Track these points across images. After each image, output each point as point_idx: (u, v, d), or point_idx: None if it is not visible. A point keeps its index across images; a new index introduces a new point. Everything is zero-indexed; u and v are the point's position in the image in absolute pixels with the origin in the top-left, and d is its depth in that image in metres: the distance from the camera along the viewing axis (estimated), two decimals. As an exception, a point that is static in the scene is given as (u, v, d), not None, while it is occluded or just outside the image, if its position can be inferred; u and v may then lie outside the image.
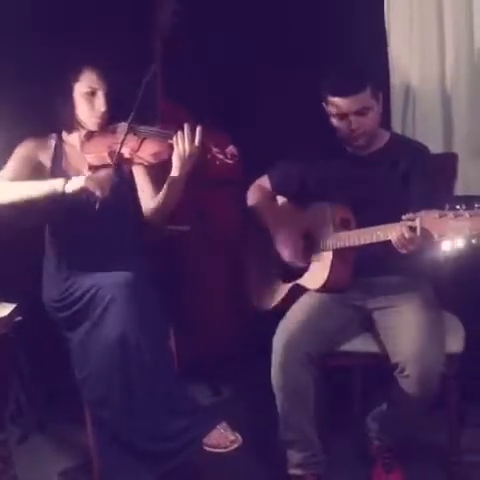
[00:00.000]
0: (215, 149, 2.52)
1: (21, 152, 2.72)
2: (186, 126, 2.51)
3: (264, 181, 2.88)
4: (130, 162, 2.67)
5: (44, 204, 2.61)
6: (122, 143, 2.58)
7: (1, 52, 3.06)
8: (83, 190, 2.53)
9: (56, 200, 2.59)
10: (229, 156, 2.52)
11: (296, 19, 3.36)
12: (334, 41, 3.24)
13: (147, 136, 2.62)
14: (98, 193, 2.51)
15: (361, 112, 2.55)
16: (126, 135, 2.58)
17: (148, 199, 2.73)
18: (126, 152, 2.62)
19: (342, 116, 2.57)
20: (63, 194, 2.55)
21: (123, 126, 2.63)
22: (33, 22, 3.15)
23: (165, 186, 2.62)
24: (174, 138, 2.52)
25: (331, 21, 3.28)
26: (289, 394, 2.54)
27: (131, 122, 2.59)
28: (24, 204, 2.60)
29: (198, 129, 2.51)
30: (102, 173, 2.55)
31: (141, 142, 2.61)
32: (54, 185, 2.56)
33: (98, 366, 2.52)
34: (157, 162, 2.62)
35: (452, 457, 2.65)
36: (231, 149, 2.53)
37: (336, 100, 2.56)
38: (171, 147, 2.56)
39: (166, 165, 2.61)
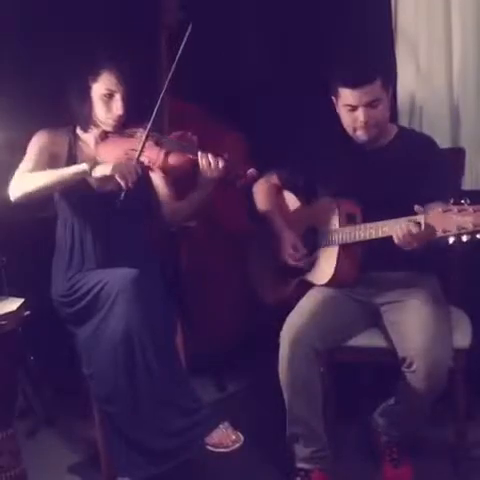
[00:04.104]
0: (237, 171, 2.58)
1: (38, 142, 2.70)
2: (211, 155, 2.57)
3: (272, 175, 2.88)
4: (148, 169, 2.69)
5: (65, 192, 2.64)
6: (141, 151, 2.59)
7: (19, 49, 3.09)
8: (109, 178, 2.53)
9: (74, 194, 2.63)
10: (250, 178, 2.58)
11: (305, 15, 3.37)
12: (342, 39, 3.24)
13: (170, 150, 2.63)
14: (123, 183, 2.51)
15: (371, 104, 2.53)
16: (145, 142, 2.59)
17: (168, 202, 2.76)
18: (145, 160, 2.63)
19: (353, 108, 2.55)
20: (89, 175, 2.54)
21: (141, 132, 2.64)
22: (51, 20, 3.17)
23: (190, 200, 2.67)
24: (199, 160, 2.56)
25: (340, 20, 3.28)
26: (296, 389, 2.55)
27: (149, 130, 2.60)
28: (48, 191, 2.61)
29: (220, 160, 2.56)
30: (128, 165, 2.54)
31: (164, 156, 2.63)
32: (81, 167, 2.56)
33: (104, 363, 2.52)
34: (175, 175, 2.69)
35: (459, 451, 2.66)
36: (252, 172, 2.58)
37: (346, 91, 2.54)
38: (191, 161, 2.60)
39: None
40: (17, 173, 2.64)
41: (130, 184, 2.51)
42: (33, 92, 3.01)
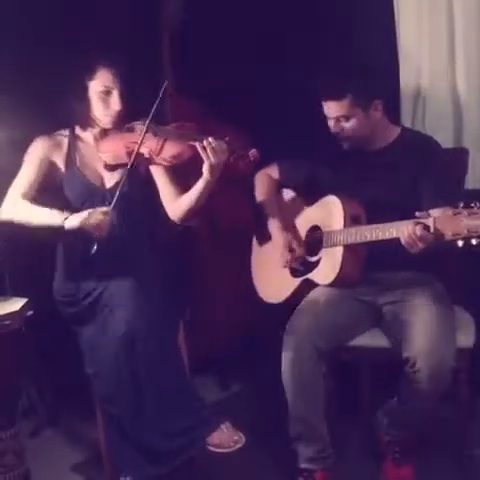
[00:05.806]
0: (239, 152, 2.53)
1: (34, 154, 2.71)
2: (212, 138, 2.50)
3: (272, 169, 2.88)
4: (149, 162, 2.66)
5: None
6: (141, 143, 2.57)
7: (15, 49, 3.07)
8: (80, 229, 2.52)
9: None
10: (252, 158, 2.54)
11: (306, 14, 3.37)
12: (345, 37, 3.25)
13: (168, 137, 2.60)
14: (96, 234, 2.50)
15: (339, 119, 2.59)
16: (145, 135, 2.57)
17: (172, 199, 2.70)
18: (145, 152, 2.60)
19: (328, 117, 2.62)
20: (61, 228, 2.55)
21: (140, 125, 2.62)
22: (48, 20, 3.16)
23: (196, 190, 2.59)
24: (200, 148, 2.49)
25: (342, 16, 3.29)
26: (299, 389, 2.55)
27: (149, 121, 2.58)
28: (27, 228, 2.62)
29: (222, 143, 2.50)
30: (100, 215, 2.51)
31: (162, 144, 2.59)
32: (54, 218, 2.57)
33: (106, 363, 2.52)
34: (177, 163, 2.61)
35: (462, 451, 2.66)
36: (253, 152, 2.54)
37: (322, 102, 2.62)
38: (191, 148, 2.54)
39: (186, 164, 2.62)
40: (9, 194, 2.66)
41: (104, 234, 2.50)
42: (35, 91, 3.00)
